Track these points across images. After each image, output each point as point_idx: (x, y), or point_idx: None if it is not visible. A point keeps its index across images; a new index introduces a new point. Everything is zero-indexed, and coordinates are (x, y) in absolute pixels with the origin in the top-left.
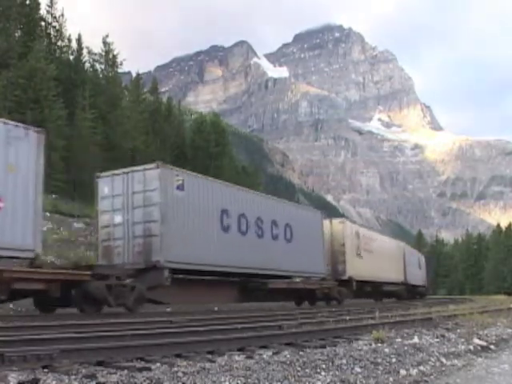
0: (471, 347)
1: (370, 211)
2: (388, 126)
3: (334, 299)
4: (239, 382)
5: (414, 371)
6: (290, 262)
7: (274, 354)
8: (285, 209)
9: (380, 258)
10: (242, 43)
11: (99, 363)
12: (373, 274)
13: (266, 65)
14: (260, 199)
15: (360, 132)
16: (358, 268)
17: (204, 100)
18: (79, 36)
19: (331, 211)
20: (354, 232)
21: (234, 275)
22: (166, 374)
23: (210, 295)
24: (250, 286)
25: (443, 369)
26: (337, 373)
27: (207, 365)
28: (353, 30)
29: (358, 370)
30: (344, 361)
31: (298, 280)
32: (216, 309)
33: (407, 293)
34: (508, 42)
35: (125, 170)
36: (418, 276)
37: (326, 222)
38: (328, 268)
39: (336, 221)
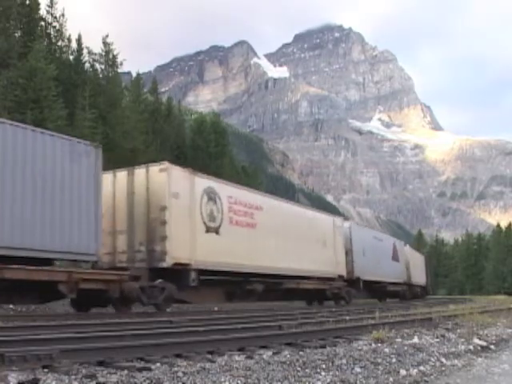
0: (471, 347)
1: (370, 211)
2: (388, 126)
3: (132, 301)
4: (239, 381)
5: (414, 371)
6: None
7: (274, 354)
8: None
9: (277, 237)
10: (241, 43)
11: (99, 363)
12: (256, 263)
13: (266, 65)
14: None
15: (360, 132)
16: (208, 251)
17: (204, 100)
18: (79, 36)
19: (331, 211)
20: (202, 189)
21: None
22: (166, 374)
23: None
24: None
25: (443, 369)
26: (337, 373)
27: (207, 365)
28: (353, 30)
29: (358, 370)
30: (344, 361)
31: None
32: (216, 309)
33: (363, 293)
34: (507, 42)
35: None
36: (390, 272)
37: (141, 171)
38: (141, 249)
39: (155, 168)
